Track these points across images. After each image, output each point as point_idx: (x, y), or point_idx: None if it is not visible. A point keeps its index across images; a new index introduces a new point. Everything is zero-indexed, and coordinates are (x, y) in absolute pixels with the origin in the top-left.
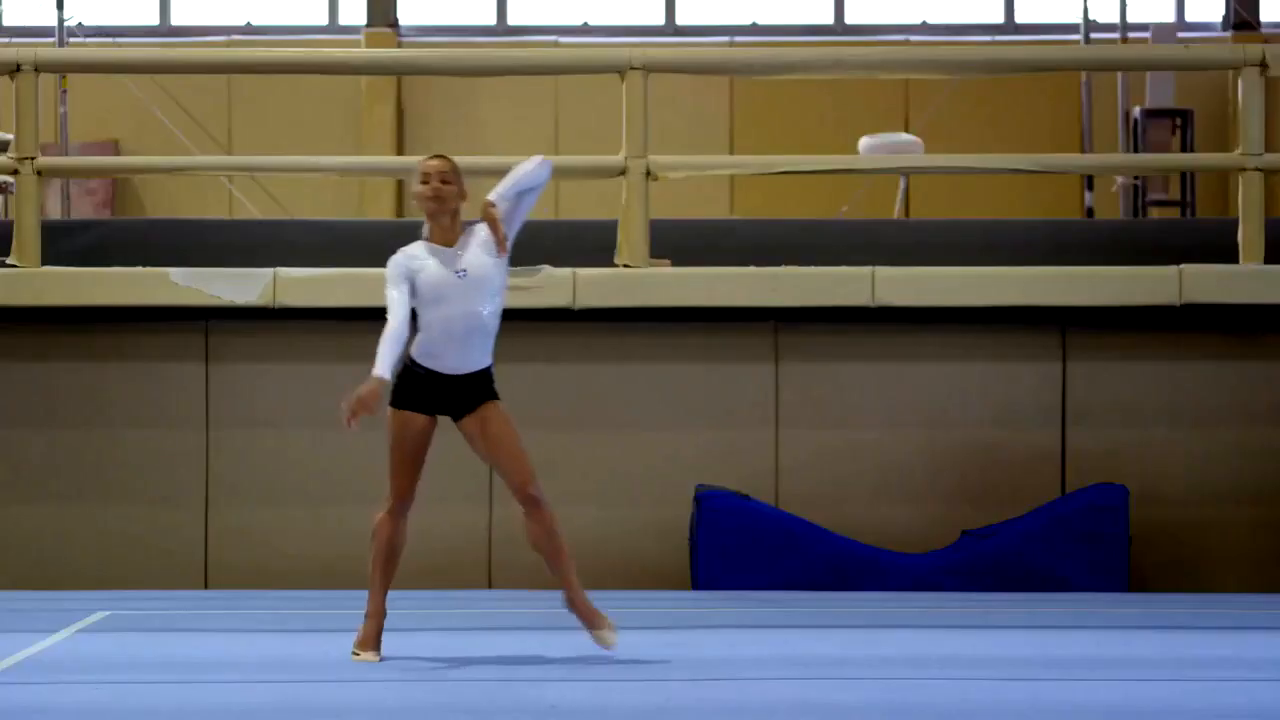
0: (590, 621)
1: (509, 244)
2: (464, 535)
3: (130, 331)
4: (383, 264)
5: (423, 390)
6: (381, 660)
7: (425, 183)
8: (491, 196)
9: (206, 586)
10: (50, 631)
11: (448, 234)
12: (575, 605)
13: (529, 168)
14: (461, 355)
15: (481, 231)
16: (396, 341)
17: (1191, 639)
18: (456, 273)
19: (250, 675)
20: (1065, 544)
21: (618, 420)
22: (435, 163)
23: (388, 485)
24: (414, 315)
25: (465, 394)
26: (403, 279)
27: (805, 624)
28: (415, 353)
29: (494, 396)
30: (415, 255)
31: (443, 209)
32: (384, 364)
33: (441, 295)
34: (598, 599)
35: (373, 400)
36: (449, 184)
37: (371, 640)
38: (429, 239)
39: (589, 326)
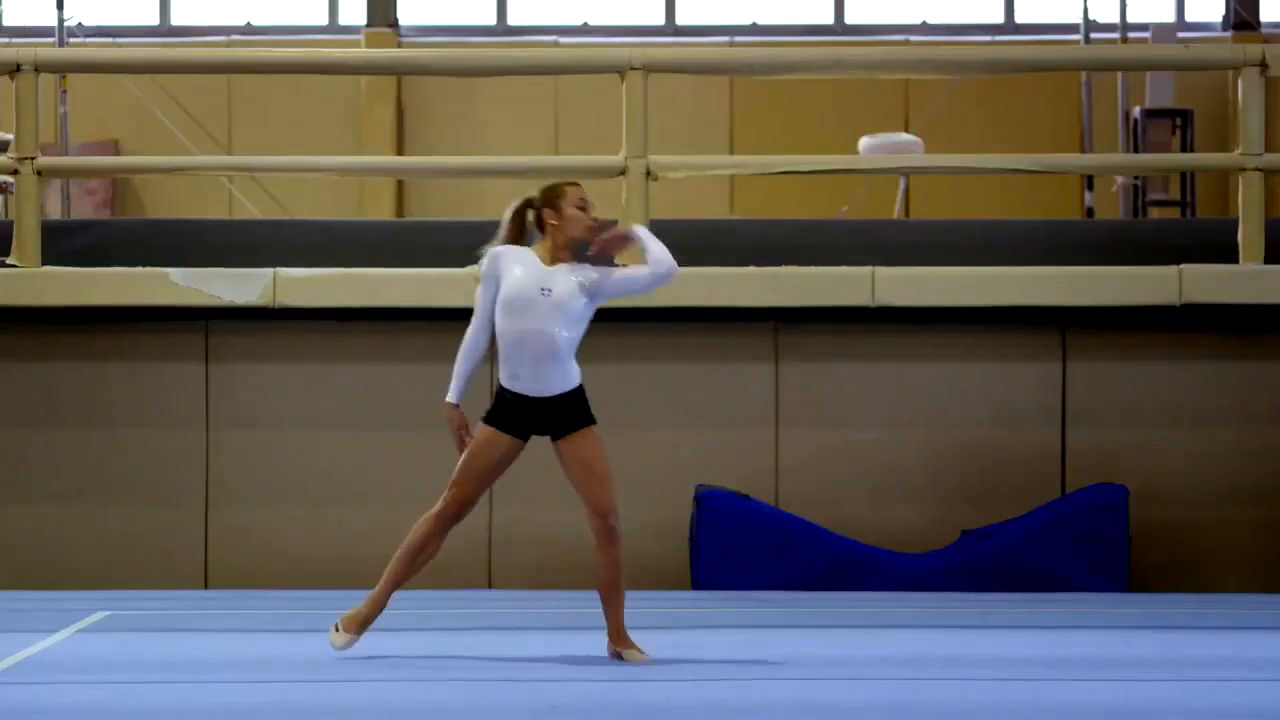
0: (627, 653)
1: (599, 298)
2: (464, 535)
3: (130, 331)
4: (382, 264)
5: (512, 412)
6: (348, 647)
7: (582, 208)
8: (639, 232)
9: (206, 586)
10: (50, 631)
11: (556, 254)
12: (618, 641)
13: (660, 257)
14: (537, 376)
15: (585, 268)
16: (469, 356)
17: (1191, 639)
18: (542, 290)
19: (250, 675)
20: (1065, 544)
21: (618, 420)
22: (583, 190)
23: (448, 488)
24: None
25: (555, 416)
26: (490, 279)
27: (805, 624)
28: (500, 376)
29: (588, 421)
30: (506, 260)
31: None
32: (455, 387)
33: (514, 306)
34: (598, 599)
35: (458, 426)
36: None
37: (357, 623)
38: (535, 250)
39: (589, 326)
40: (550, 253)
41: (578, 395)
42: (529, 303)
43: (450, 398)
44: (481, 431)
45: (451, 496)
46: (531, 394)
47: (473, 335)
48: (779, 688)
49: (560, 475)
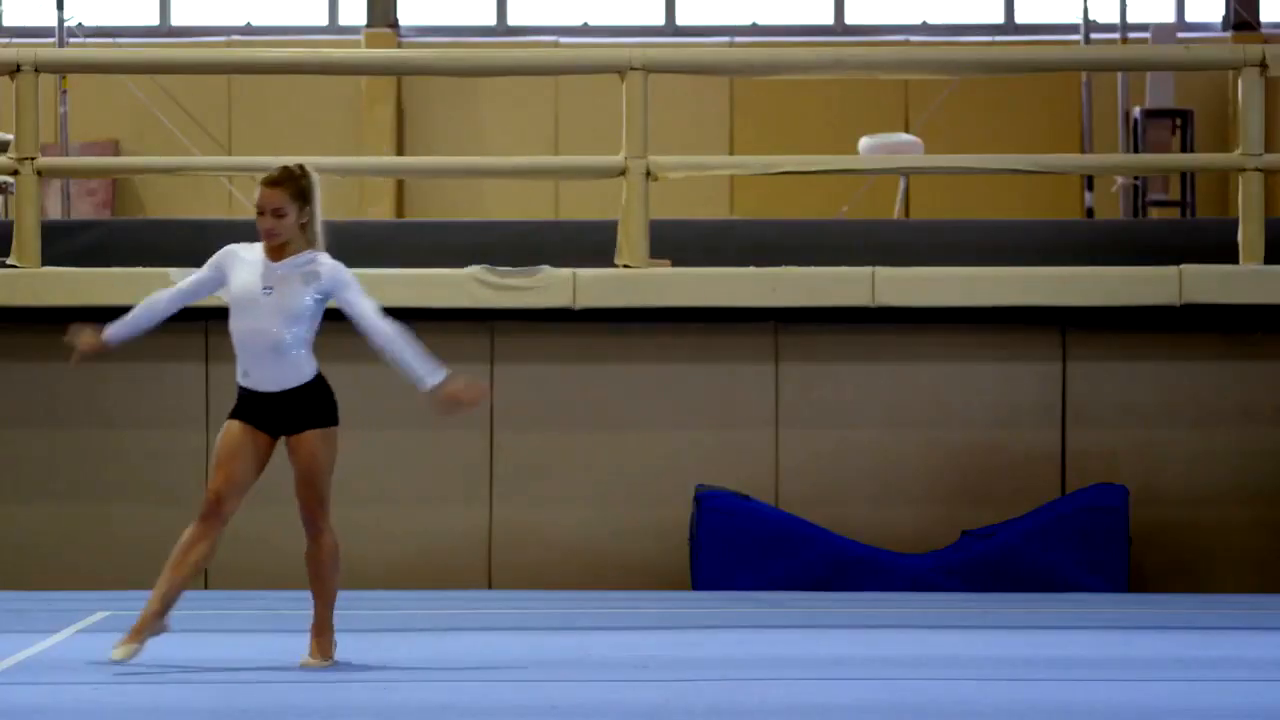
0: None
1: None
2: (464, 535)
3: None
4: (382, 264)
5: (245, 406)
6: (131, 657)
7: (260, 213)
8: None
9: (206, 587)
10: (50, 632)
11: (279, 251)
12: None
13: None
14: (265, 372)
15: (320, 265)
16: (148, 308)
17: (1191, 639)
18: (264, 289)
19: (249, 676)
20: (1065, 544)
21: (618, 420)
22: (267, 193)
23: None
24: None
25: (287, 412)
26: (216, 271)
27: (805, 624)
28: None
29: (321, 422)
30: (234, 262)
31: (278, 242)
32: (117, 326)
33: (243, 307)
34: (598, 599)
35: (86, 341)
36: (283, 217)
37: (136, 630)
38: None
39: (589, 326)
40: (268, 250)
41: (310, 392)
42: (253, 302)
43: (107, 331)
44: (226, 426)
45: (208, 489)
46: (259, 389)
47: (160, 294)
48: (779, 688)
49: (561, 475)
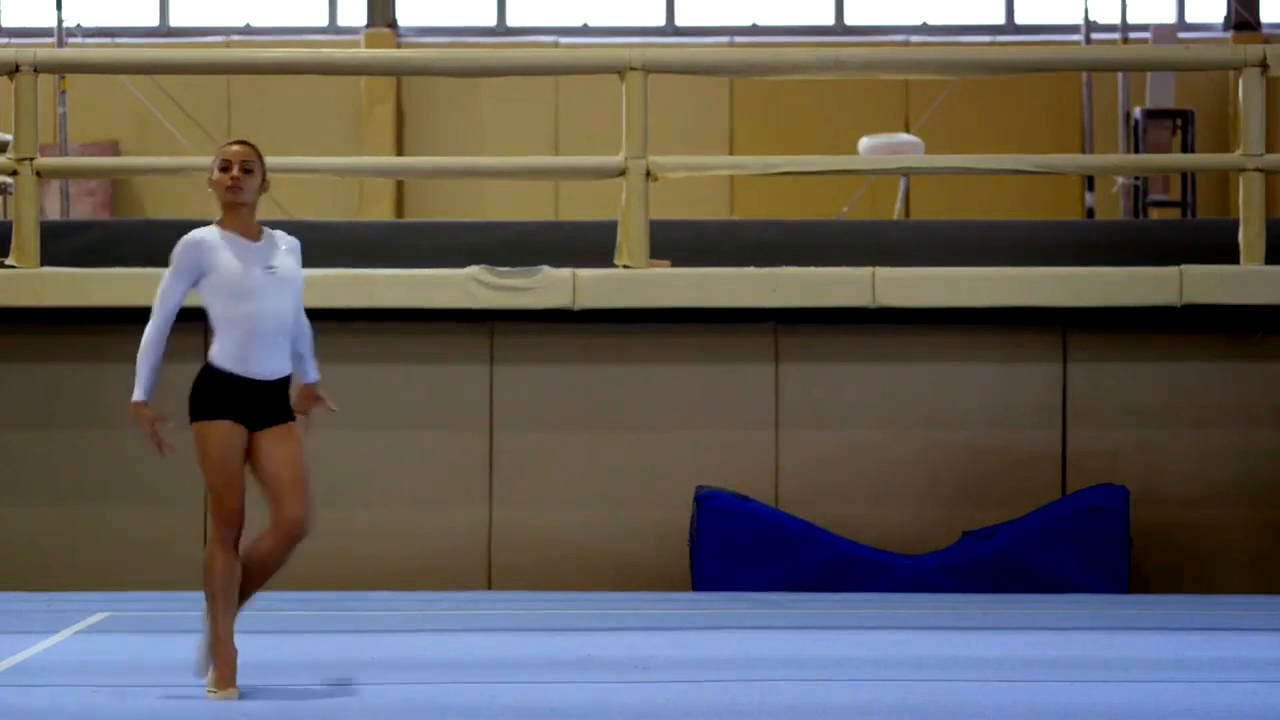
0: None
1: None
2: (464, 535)
3: (130, 331)
4: (381, 264)
5: (233, 397)
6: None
7: (225, 170)
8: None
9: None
10: (50, 632)
11: (248, 226)
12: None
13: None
14: (269, 359)
15: (285, 240)
16: (156, 348)
17: (1191, 639)
18: (265, 268)
19: (249, 676)
20: (1065, 544)
21: (618, 420)
22: (236, 148)
23: (213, 514)
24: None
25: (272, 403)
26: (191, 271)
27: (805, 624)
28: (218, 356)
29: (292, 414)
30: (211, 244)
31: (241, 199)
32: (148, 383)
33: (247, 290)
34: (598, 599)
35: (152, 421)
36: (251, 173)
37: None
38: (224, 226)
39: (589, 327)
40: (239, 225)
41: (289, 381)
42: (257, 284)
43: (141, 395)
44: (216, 429)
45: (221, 516)
46: (259, 377)
47: (161, 328)
48: (779, 688)
49: (560, 475)
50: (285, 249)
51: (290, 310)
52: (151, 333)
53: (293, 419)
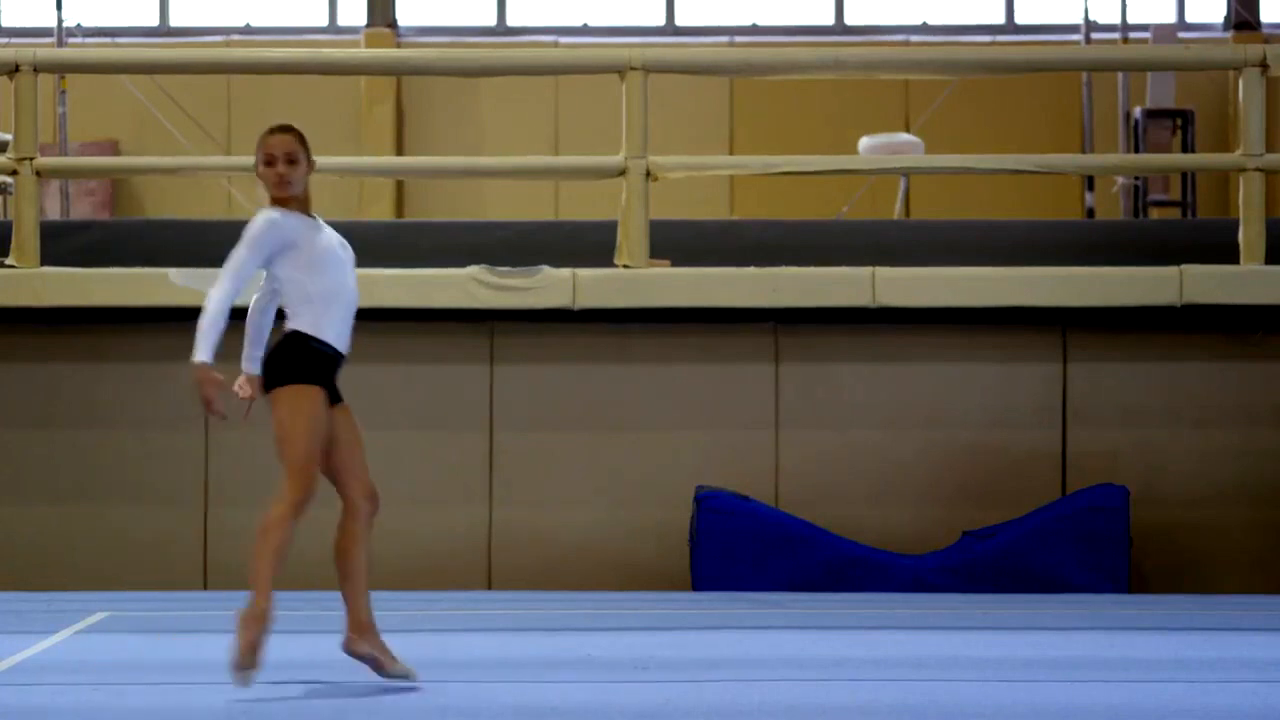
0: (378, 657)
1: None
2: (464, 535)
3: (130, 331)
4: (383, 264)
5: (323, 366)
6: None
7: (270, 164)
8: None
9: (206, 587)
10: (50, 632)
11: (304, 206)
12: (363, 639)
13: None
14: (346, 332)
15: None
16: (223, 316)
17: (1191, 639)
18: (340, 244)
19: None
20: (1065, 544)
21: (618, 420)
22: (277, 139)
23: (288, 479)
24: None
25: (337, 380)
26: (271, 246)
27: (805, 624)
28: (311, 328)
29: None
30: (292, 223)
31: (291, 193)
32: (209, 346)
33: (330, 263)
34: (598, 599)
35: (213, 383)
36: (295, 163)
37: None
38: (285, 207)
39: (589, 326)
40: (300, 207)
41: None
42: (339, 260)
43: (205, 357)
44: (314, 395)
45: (303, 480)
46: (341, 350)
47: (228, 301)
48: (779, 688)
49: (560, 475)
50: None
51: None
52: (220, 300)
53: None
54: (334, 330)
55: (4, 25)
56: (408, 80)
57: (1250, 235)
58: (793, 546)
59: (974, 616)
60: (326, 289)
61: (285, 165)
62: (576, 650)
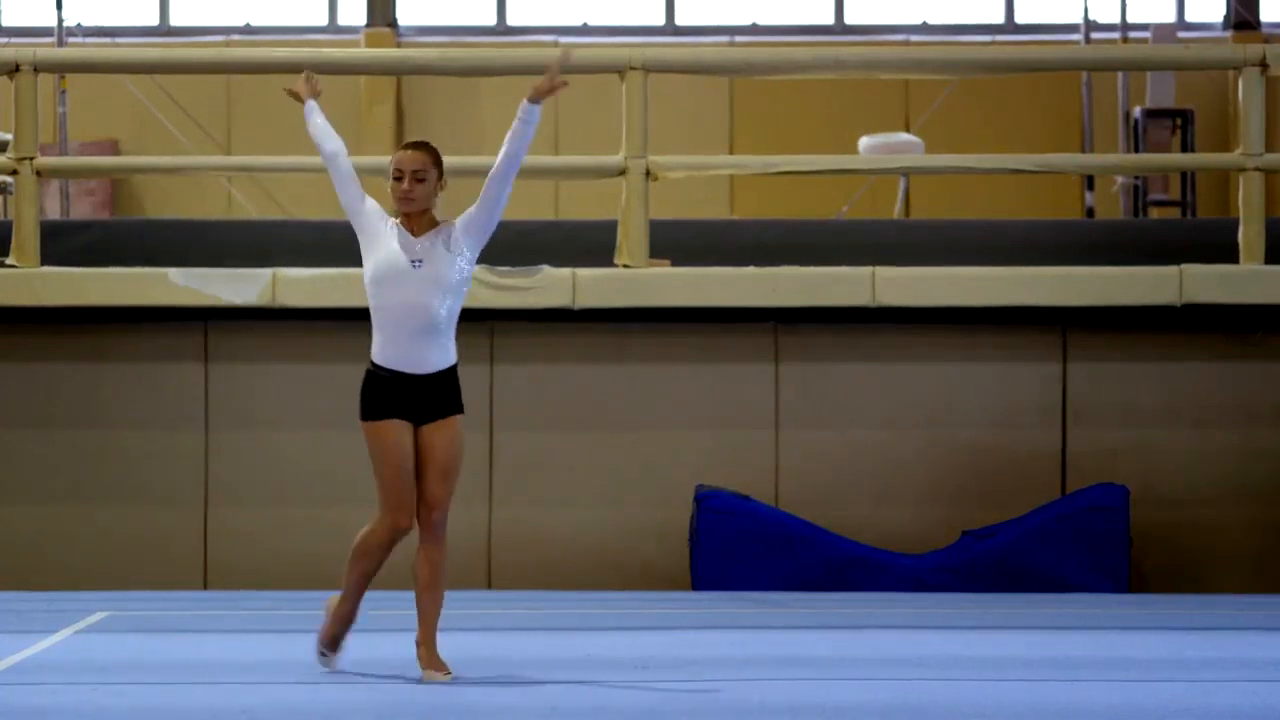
0: (432, 666)
1: (492, 221)
2: (464, 535)
3: (130, 331)
4: None
5: (392, 394)
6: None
7: (399, 179)
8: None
9: (205, 587)
10: (49, 632)
11: (415, 224)
12: (424, 648)
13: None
14: (419, 353)
15: (452, 231)
16: (332, 151)
17: (1191, 639)
18: (413, 261)
19: (249, 676)
20: (1065, 544)
21: (618, 420)
22: (409, 155)
23: (382, 507)
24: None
25: (435, 397)
26: (358, 196)
27: (805, 624)
28: (375, 354)
29: (458, 408)
30: (382, 216)
31: (411, 210)
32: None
33: (388, 279)
34: (598, 599)
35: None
36: (423, 181)
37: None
38: (408, 223)
39: (589, 326)
40: (408, 223)
41: (454, 376)
42: (403, 274)
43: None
44: (377, 429)
45: (385, 505)
46: (414, 372)
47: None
48: (779, 688)
49: (560, 475)
50: (445, 240)
51: (443, 307)
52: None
53: (458, 412)
54: (396, 349)
55: (4, 25)
56: (408, 80)
57: (1250, 235)
58: (793, 546)
59: (974, 616)
60: (379, 306)
61: (411, 182)
62: (576, 650)
